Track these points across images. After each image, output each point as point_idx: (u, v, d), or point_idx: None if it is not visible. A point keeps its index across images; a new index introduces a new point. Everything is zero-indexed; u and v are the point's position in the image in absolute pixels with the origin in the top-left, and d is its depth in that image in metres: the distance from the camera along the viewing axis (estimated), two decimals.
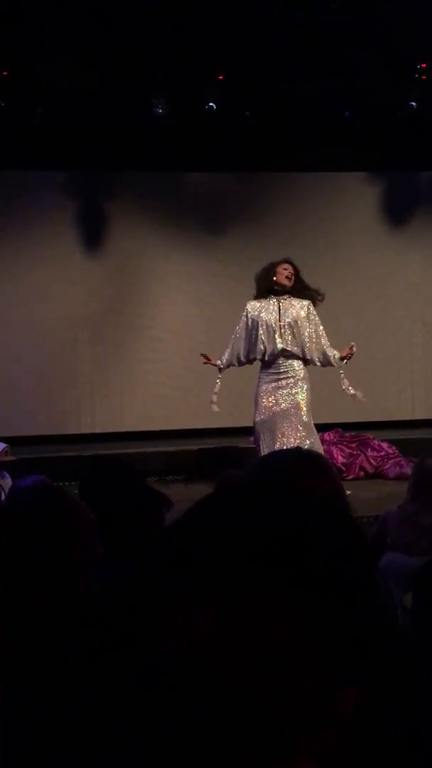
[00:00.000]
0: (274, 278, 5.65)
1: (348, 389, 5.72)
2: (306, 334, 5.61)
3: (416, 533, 2.92)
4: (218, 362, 5.82)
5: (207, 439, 7.66)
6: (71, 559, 1.30)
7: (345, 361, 5.64)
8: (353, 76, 7.06)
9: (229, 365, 5.84)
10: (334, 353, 5.65)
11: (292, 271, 5.65)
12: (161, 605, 0.51)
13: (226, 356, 5.82)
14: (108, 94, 7.12)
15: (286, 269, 5.65)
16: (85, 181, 8.25)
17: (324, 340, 5.67)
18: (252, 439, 7.19)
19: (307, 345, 5.63)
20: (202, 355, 5.89)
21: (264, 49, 6.57)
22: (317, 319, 5.69)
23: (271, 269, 5.70)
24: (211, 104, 7.30)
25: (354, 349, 5.62)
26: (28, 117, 7.38)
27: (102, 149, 7.85)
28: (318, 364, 5.70)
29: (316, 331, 5.65)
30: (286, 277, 5.63)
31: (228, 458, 6.55)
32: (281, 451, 1.40)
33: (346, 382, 5.73)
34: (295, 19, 6.24)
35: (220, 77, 7.07)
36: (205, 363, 5.86)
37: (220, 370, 5.83)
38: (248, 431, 7.47)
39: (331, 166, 8.38)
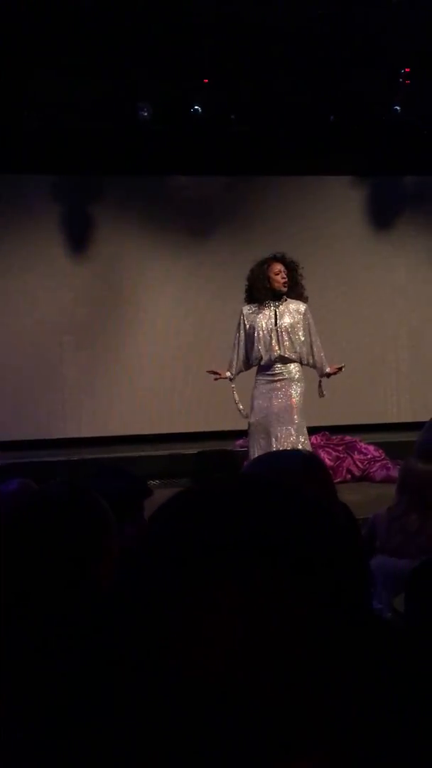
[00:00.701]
0: (269, 285, 5.59)
1: (322, 389, 5.73)
2: (302, 339, 5.62)
3: (405, 536, 2.92)
4: (227, 374, 5.78)
5: (193, 442, 7.65)
6: (76, 563, 1.28)
7: (329, 376, 5.67)
8: (338, 80, 7.08)
9: (239, 372, 5.79)
10: (323, 364, 5.68)
11: (285, 274, 5.60)
12: (162, 608, 0.50)
13: (234, 364, 5.78)
14: (94, 97, 7.10)
15: (279, 273, 5.59)
16: (70, 184, 8.22)
17: (317, 348, 5.68)
18: (240, 442, 7.19)
19: (304, 350, 5.64)
20: (210, 371, 5.84)
21: (250, 53, 6.58)
22: (312, 321, 5.69)
23: (264, 274, 5.62)
24: (196, 108, 7.31)
25: (343, 369, 5.66)
26: (14, 121, 7.35)
27: (88, 153, 7.83)
28: (308, 365, 5.71)
29: (310, 336, 5.66)
30: (282, 282, 5.58)
31: (215, 462, 6.54)
32: (286, 452, 1.40)
33: (321, 388, 5.74)
34: (282, 24, 6.25)
35: (206, 81, 7.08)
36: (216, 379, 5.82)
37: (231, 380, 5.79)
38: (235, 435, 7.47)
39: (317, 169, 8.41)
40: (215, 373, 5.78)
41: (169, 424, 8.15)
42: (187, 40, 6.45)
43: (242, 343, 5.71)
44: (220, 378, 5.77)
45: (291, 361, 5.61)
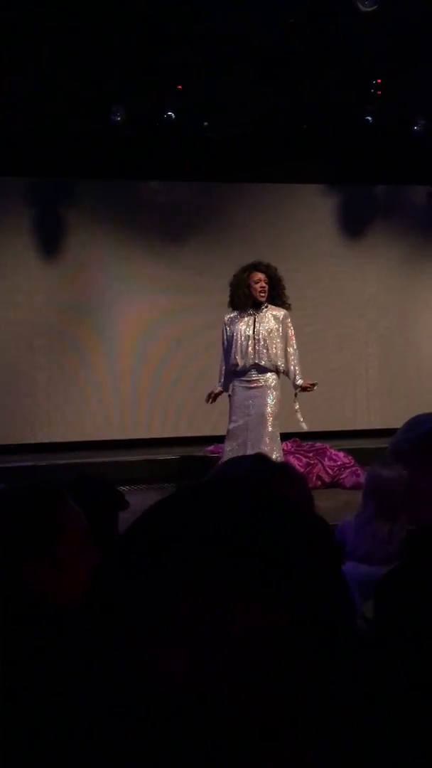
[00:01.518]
0: (248, 293, 5.66)
1: (298, 414, 5.81)
2: (279, 347, 5.67)
3: (373, 543, 2.93)
4: (219, 387, 5.82)
5: (165, 448, 7.64)
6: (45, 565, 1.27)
7: (300, 389, 5.72)
8: (311, 89, 7.14)
9: (229, 382, 5.83)
10: (296, 376, 5.73)
11: (264, 282, 5.65)
12: (136, 612, 0.50)
13: (223, 374, 5.84)
14: (67, 100, 7.08)
15: (258, 282, 5.64)
16: (43, 187, 8.17)
17: (291, 357, 5.73)
18: (210, 448, 7.20)
19: (280, 359, 5.69)
20: (208, 397, 5.88)
21: (223, 61, 6.60)
22: (291, 331, 5.74)
23: (245, 282, 5.69)
24: (170, 113, 7.31)
25: (315, 387, 5.74)
26: None
27: (61, 156, 7.80)
28: (282, 373, 5.77)
29: (286, 345, 5.71)
30: (260, 292, 5.63)
31: (187, 468, 6.54)
32: (242, 457, 1.39)
33: (297, 405, 5.82)
34: (255, 32, 6.29)
35: (180, 87, 7.09)
36: (213, 400, 5.88)
37: (224, 392, 5.84)
38: (207, 441, 7.48)
39: (289, 177, 8.47)
40: (212, 398, 5.85)
41: (141, 430, 8.12)
42: (161, 46, 6.45)
43: (227, 351, 5.76)
44: (216, 395, 5.84)
45: (267, 369, 5.66)
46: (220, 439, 7.27)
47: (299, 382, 5.72)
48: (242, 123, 7.63)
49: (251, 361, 5.62)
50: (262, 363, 5.63)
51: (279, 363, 5.68)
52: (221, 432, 7.44)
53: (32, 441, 7.92)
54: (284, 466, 1.33)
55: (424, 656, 1.03)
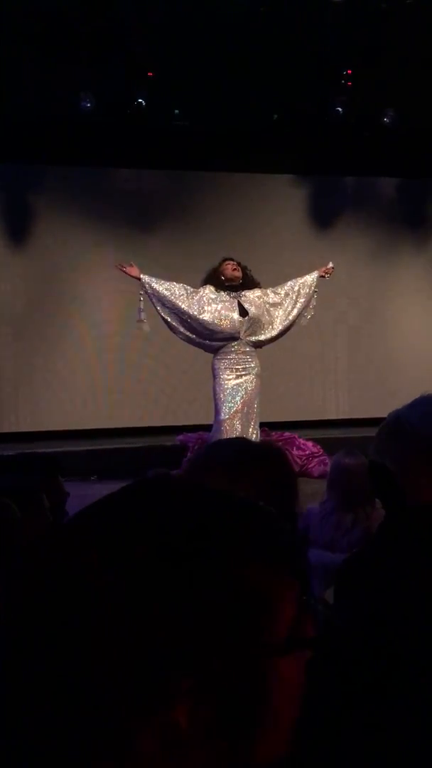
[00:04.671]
0: (222, 277, 5.72)
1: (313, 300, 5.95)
2: (268, 322, 5.80)
3: (337, 531, 2.97)
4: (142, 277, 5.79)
5: (132, 437, 7.62)
6: None
7: (326, 276, 5.94)
8: (281, 80, 7.13)
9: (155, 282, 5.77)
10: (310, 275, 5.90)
11: (236, 264, 5.77)
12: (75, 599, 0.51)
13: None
14: (36, 86, 6.99)
15: (229, 264, 5.75)
16: (10, 174, 8.07)
17: (276, 325, 5.83)
18: (181, 437, 7.20)
19: (278, 334, 5.81)
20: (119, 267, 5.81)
21: (195, 49, 6.57)
22: (268, 297, 5.84)
23: (215, 270, 5.79)
24: (140, 101, 7.26)
25: (331, 265, 5.98)
26: None
27: (29, 142, 7.71)
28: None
29: (271, 316, 5.83)
30: (233, 269, 5.72)
31: (154, 457, 6.53)
32: (225, 440, 1.38)
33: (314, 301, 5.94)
34: (226, 21, 6.27)
35: (150, 74, 7.04)
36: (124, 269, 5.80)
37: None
38: (176, 430, 7.47)
39: (258, 167, 8.47)
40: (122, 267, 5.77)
41: (110, 419, 8.09)
42: (132, 33, 6.40)
43: (186, 296, 5.76)
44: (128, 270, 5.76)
45: (251, 352, 5.77)
46: (190, 429, 7.28)
47: (316, 273, 5.92)
48: (213, 112, 7.60)
49: (243, 341, 5.74)
50: (252, 339, 5.78)
51: (271, 334, 5.81)
52: (192, 422, 7.44)
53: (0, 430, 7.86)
54: (267, 450, 1.33)
55: (380, 640, 1.05)
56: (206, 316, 5.68)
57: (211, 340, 5.76)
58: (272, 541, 0.58)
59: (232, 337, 5.71)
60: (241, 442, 1.41)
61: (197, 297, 5.72)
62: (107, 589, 0.51)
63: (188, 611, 0.52)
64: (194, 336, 5.78)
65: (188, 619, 0.51)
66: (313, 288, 5.94)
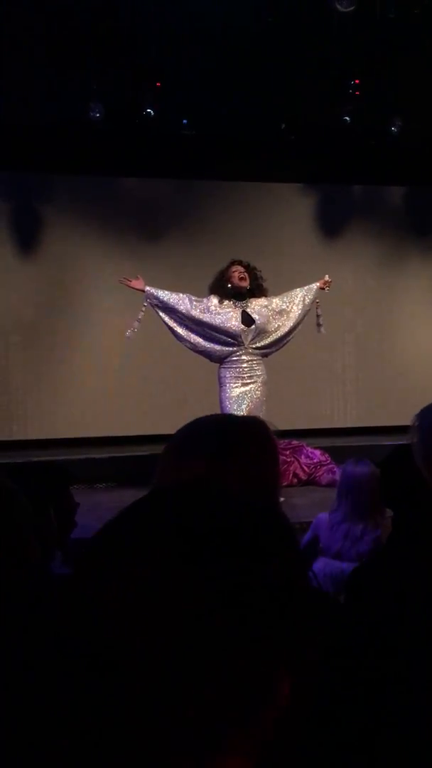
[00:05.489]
0: (229, 284, 5.71)
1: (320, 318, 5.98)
2: (275, 329, 5.81)
3: (346, 541, 2.96)
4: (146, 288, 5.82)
5: (140, 446, 7.62)
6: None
7: (325, 288, 5.96)
8: (289, 89, 7.16)
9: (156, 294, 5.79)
10: (311, 286, 5.92)
11: (243, 271, 5.74)
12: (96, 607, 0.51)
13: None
14: (46, 96, 7.03)
15: (236, 271, 5.73)
16: (20, 182, 8.12)
17: (282, 331, 5.84)
18: None
19: (281, 339, 5.84)
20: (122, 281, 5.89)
21: (202, 59, 6.60)
22: (273, 305, 5.84)
23: (222, 276, 5.78)
24: (148, 110, 7.30)
25: (327, 277, 6.00)
26: None
27: (38, 151, 7.76)
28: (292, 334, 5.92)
29: (277, 323, 5.84)
30: (240, 278, 5.71)
31: None
32: (208, 417, 1.29)
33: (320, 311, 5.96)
34: (235, 31, 6.29)
35: (159, 84, 7.08)
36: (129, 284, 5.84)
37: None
38: None
39: (267, 176, 8.49)
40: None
41: (118, 427, 8.10)
42: (141, 42, 6.44)
43: (191, 301, 5.78)
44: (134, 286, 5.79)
45: (257, 360, 5.77)
46: None
47: (316, 285, 5.94)
48: (220, 121, 7.64)
49: (250, 350, 5.74)
50: (259, 351, 5.78)
51: (281, 342, 5.85)
52: None
53: (7, 438, 7.87)
54: (249, 425, 1.27)
55: (391, 645, 1.05)
56: (212, 324, 5.70)
57: (216, 347, 5.76)
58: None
59: (237, 346, 5.72)
60: (220, 421, 1.32)
61: (202, 306, 5.74)
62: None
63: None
64: (200, 344, 5.79)
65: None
66: (312, 298, 5.95)
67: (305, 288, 5.99)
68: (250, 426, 1.27)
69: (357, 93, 7.36)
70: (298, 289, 5.99)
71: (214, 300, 5.76)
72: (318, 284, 5.99)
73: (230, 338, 5.70)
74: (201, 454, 1.13)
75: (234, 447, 1.16)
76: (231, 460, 1.13)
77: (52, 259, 8.24)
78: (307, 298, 5.94)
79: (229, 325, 5.67)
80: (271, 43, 6.46)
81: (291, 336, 5.96)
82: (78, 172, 8.11)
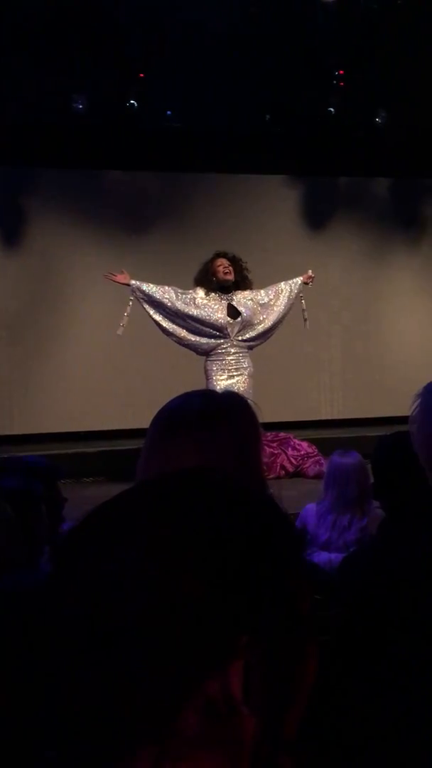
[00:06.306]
0: (214, 278, 5.71)
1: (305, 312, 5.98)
2: (259, 322, 5.81)
3: (334, 531, 2.97)
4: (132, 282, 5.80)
5: (126, 439, 7.60)
6: None
7: (308, 283, 5.97)
8: (273, 81, 7.14)
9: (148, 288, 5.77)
10: (295, 280, 5.91)
11: (228, 264, 5.74)
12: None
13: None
14: (28, 88, 6.98)
15: (221, 264, 5.72)
16: (4, 176, 8.05)
17: (266, 325, 5.84)
18: None
19: (266, 332, 5.83)
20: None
21: (186, 50, 6.57)
22: (258, 297, 5.85)
23: (207, 269, 5.77)
24: (132, 102, 7.26)
25: (311, 272, 6.01)
26: None
27: (22, 145, 7.69)
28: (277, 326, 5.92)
29: (262, 316, 5.84)
30: (224, 272, 5.70)
31: None
32: (190, 394, 1.30)
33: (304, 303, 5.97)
34: (218, 23, 6.27)
35: (141, 75, 7.04)
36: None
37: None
38: None
39: (252, 168, 8.47)
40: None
41: (105, 421, 8.08)
42: (124, 34, 6.40)
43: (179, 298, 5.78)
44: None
45: (245, 352, 5.77)
46: None
47: (298, 283, 5.96)
48: (205, 113, 7.61)
49: (236, 342, 5.74)
50: (245, 342, 5.77)
51: (267, 333, 5.83)
52: None
53: None
54: (231, 400, 1.28)
55: (381, 637, 1.05)
56: (197, 316, 5.69)
57: (202, 340, 5.75)
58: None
59: (223, 338, 5.71)
60: (202, 397, 1.32)
61: (188, 298, 5.72)
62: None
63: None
64: (186, 337, 5.78)
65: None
66: (296, 292, 5.96)
67: (289, 282, 6.01)
68: (231, 398, 1.29)
69: (341, 84, 7.36)
70: (282, 283, 6.00)
71: (201, 292, 5.75)
72: (301, 278, 6.01)
73: (216, 331, 5.70)
74: (187, 430, 1.14)
75: (218, 419, 1.17)
76: (217, 432, 1.14)
77: (37, 253, 8.19)
78: (291, 292, 5.96)
79: (215, 318, 5.67)
80: (255, 34, 6.44)
81: (275, 329, 5.97)
82: (62, 165, 8.06)
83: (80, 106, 7.19)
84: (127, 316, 5.76)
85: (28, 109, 7.30)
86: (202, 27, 6.28)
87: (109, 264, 8.20)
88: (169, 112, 7.74)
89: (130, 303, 5.77)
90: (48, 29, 6.19)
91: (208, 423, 1.16)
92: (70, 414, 8.06)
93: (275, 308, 5.91)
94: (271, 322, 5.89)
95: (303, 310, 5.97)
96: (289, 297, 5.94)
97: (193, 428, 1.15)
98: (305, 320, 5.99)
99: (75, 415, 8.06)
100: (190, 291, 5.78)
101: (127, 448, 7.21)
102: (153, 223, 8.40)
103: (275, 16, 6.31)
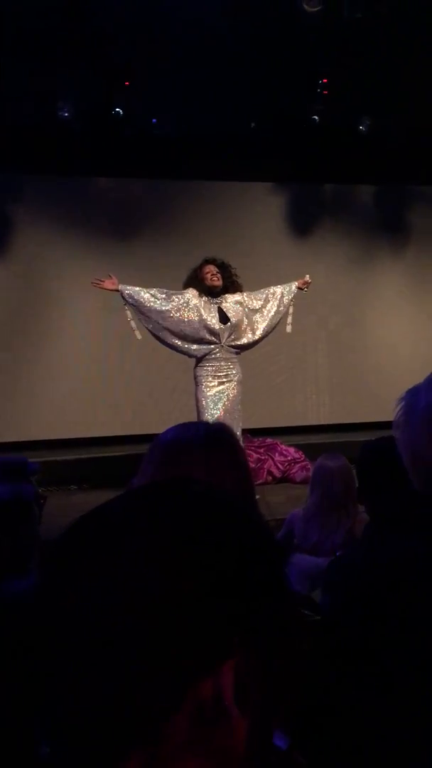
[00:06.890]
0: (204, 284, 5.73)
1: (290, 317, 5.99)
2: (249, 327, 5.82)
3: (321, 535, 2.97)
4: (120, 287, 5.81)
5: (115, 446, 7.60)
6: None
7: (304, 289, 6.01)
8: (258, 88, 7.18)
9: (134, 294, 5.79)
10: (290, 285, 5.94)
11: (216, 272, 5.75)
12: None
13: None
14: (14, 95, 6.97)
15: (209, 271, 5.73)
16: None
17: (257, 329, 5.84)
18: None
19: (259, 338, 5.82)
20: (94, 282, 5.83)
21: (170, 58, 6.59)
22: (247, 302, 5.86)
23: (195, 275, 5.78)
24: (117, 110, 7.27)
25: (308, 278, 6.03)
26: None
27: (8, 152, 7.69)
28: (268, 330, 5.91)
29: (252, 321, 5.84)
30: (212, 279, 5.72)
31: (137, 466, 6.51)
32: (195, 424, 1.38)
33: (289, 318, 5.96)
34: (203, 30, 6.29)
35: (127, 83, 7.06)
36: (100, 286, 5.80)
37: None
38: (152, 440, 7.45)
39: (237, 176, 8.51)
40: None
41: (92, 428, 8.06)
42: (109, 42, 6.41)
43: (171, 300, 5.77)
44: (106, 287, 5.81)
45: (233, 358, 5.77)
46: None
47: (295, 285, 5.97)
48: (190, 121, 7.64)
49: (225, 347, 5.75)
50: (234, 345, 5.78)
51: (256, 336, 5.84)
52: None
53: None
54: (228, 430, 1.35)
55: (369, 639, 1.06)
56: (188, 320, 5.69)
57: (193, 346, 5.75)
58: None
59: (213, 343, 5.72)
60: (203, 428, 1.38)
61: (179, 301, 5.72)
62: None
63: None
64: (177, 342, 5.77)
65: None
66: (291, 297, 5.97)
67: (284, 286, 6.00)
68: (226, 429, 1.37)
69: (325, 92, 7.41)
70: (277, 288, 5.99)
71: (192, 291, 5.76)
72: (297, 284, 6.01)
73: (207, 336, 5.69)
74: (193, 458, 1.20)
75: (220, 447, 1.23)
76: (219, 460, 1.19)
77: (23, 260, 8.18)
78: (285, 297, 5.96)
79: (206, 324, 5.67)
80: (239, 42, 6.47)
81: (266, 334, 5.97)
82: (48, 172, 8.06)
83: (66, 114, 7.20)
84: (131, 320, 5.75)
85: (13, 115, 7.29)
86: (188, 35, 6.31)
87: (96, 270, 8.21)
88: (154, 120, 7.76)
89: (126, 308, 5.77)
90: (33, 36, 6.19)
91: (213, 451, 1.23)
92: (56, 421, 8.03)
93: (265, 314, 5.91)
94: (261, 328, 5.89)
95: (288, 314, 5.98)
96: (282, 302, 5.94)
97: (199, 455, 1.24)
98: (288, 324, 5.99)
99: (62, 422, 8.04)
100: (183, 293, 5.79)
101: (115, 454, 7.22)
102: (140, 229, 8.41)
103: (259, 25, 6.34)
